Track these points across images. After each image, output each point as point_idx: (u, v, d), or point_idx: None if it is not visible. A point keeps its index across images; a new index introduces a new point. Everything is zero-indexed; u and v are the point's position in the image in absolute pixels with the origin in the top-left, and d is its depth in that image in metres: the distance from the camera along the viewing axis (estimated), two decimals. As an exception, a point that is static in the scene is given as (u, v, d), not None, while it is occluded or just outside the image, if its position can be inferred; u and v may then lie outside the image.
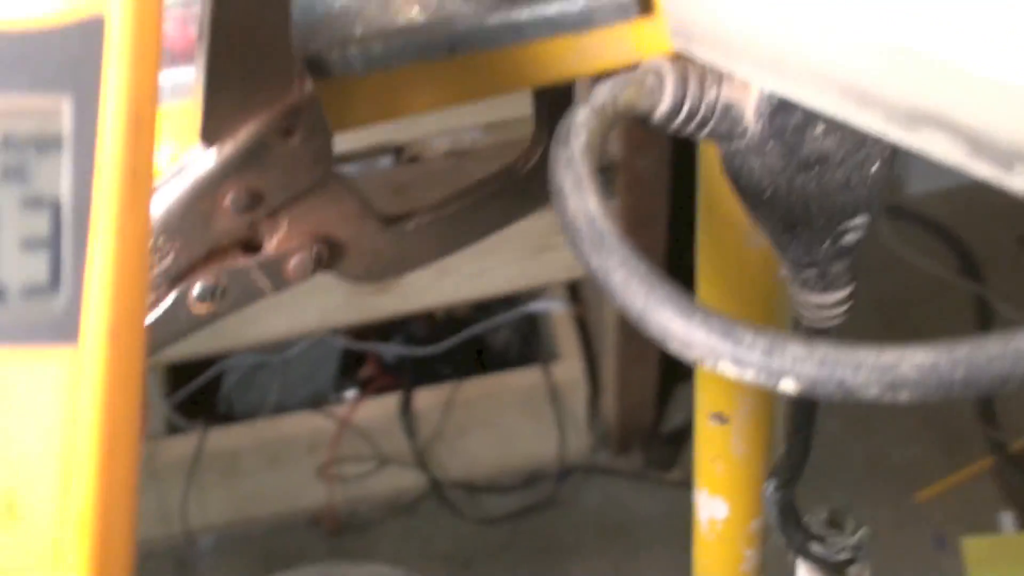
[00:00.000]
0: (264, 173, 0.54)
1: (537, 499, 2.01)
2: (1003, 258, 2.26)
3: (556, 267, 1.88)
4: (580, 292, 2.08)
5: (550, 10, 0.54)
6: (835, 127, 0.53)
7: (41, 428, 0.37)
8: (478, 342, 2.08)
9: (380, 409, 1.97)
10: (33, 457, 0.37)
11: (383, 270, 0.60)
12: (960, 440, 2.01)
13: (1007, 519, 1.88)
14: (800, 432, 0.68)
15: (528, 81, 0.55)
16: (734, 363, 0.43)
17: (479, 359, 2.07)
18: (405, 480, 2.01)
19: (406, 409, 1.95)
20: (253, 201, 0.55)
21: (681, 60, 0.54)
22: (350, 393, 2.01)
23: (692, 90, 0.54)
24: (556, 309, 2.04)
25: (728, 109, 0.54)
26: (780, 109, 0.53)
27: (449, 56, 0.54)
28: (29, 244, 0.38)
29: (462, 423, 1.99)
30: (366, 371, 2.09)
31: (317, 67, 0.54)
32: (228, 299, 0.57)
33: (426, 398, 1.96)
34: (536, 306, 2.06)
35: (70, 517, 0.36)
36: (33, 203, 0.38)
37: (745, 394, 0.73)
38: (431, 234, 0.60)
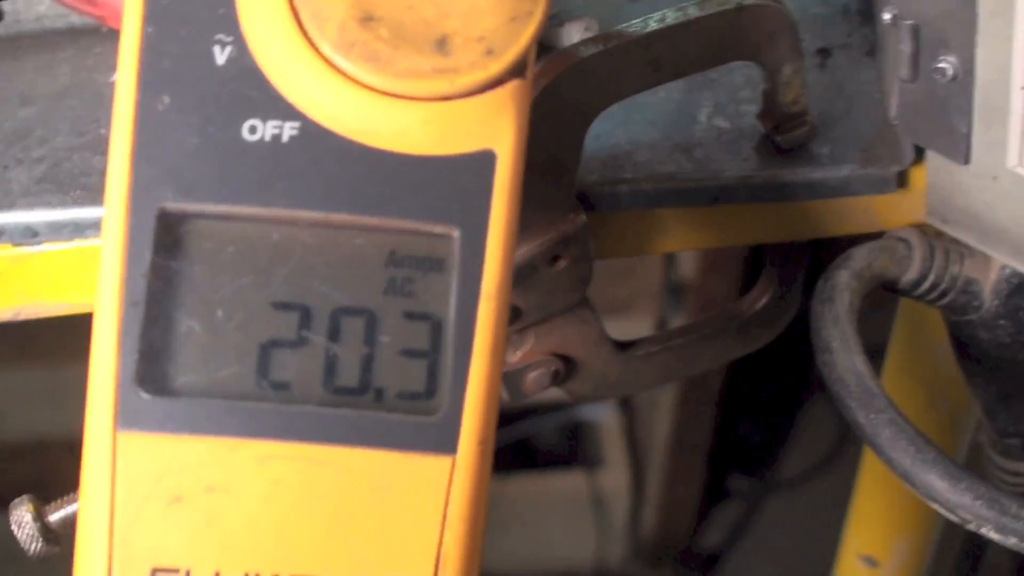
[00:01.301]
0: (527, 292, 0.58)
1: (571, 603, 2.02)
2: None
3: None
4: (631, 402, 2.10)
5: (814, 176, 0.58)
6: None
7: (417, 528, 0.40)
8: (522, 440, 2.10)
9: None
10: (408, 554, 0.40)
11: (608, 390, 0.64)
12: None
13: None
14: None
15: (779, 236, 0.59)
16: (997, 530, 0.47)
17: (522, 457, 2.09)
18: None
19: (451, 499, 1.96)
20: (512, 317, 0.58)
21: (928, 232, 0.58)
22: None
23: (938, 263, 0.58)
24: (605, 416, 2.07)
25: (968, 284, 0.58)
26: (1018, 289, 0.57)
27: (710, 204, 0.58)
28: (409, 353, 0.42)
29: (502, 519, 2.01)
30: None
31: (586, 201, 0.58)
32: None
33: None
34: (585, 411, 2.09)
35: (443, 609, 0.40)
36: (416, 317, 0.42)
37: (901, 540, 0.76)
38: (655, 363, 0.64)
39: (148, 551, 0.40)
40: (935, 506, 0.48)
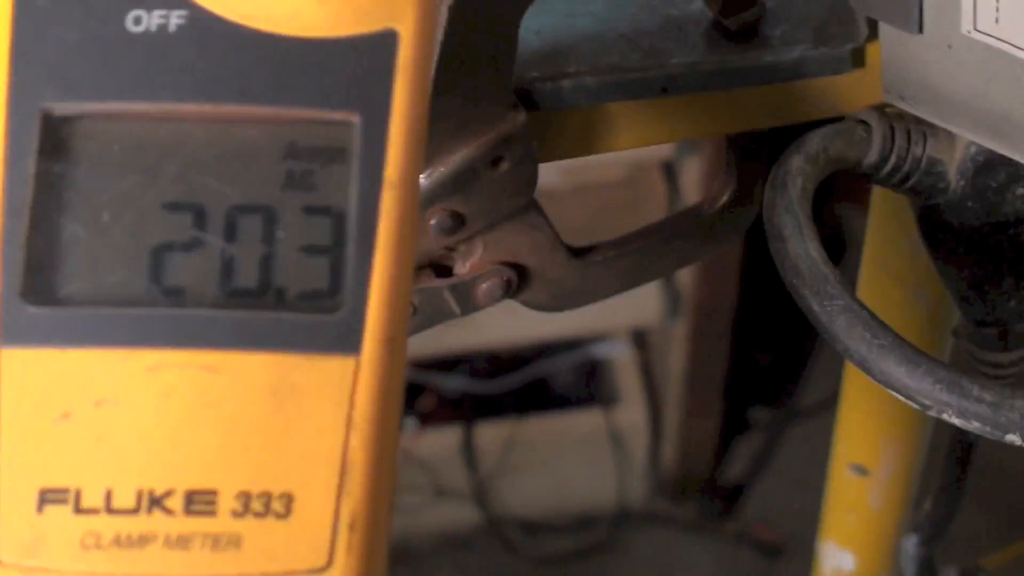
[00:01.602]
0: (469, 199, 0.55)
1: (592, 542, 2.01)
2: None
3: (624, 313, 1.88)
4: (646, 339, 2.08)
5: (764, 59, 0.55)
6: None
7: (321, 434, 0.38)
8: (539, 380, 2.09)
9: (440, 441, 1.97)
10: (311, 461, 0.38)
11: (565, 300, 0.61)
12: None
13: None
14: (952, 486, 0.69)
15: (733, 126, 0.57)
16: (959, 414, 0.44)
17: (539, 397, 2.07)
18: (461, 514, 2.01)
19: (467, 443, 1.95)
20: (455, 225, 0.56)
21: (888, 113, 0.55)
22: (408, 423, 2.02)
23: (899, 144, 0.55)
24: (620, 354, 2.05)
25: (932, 165, 0.55)
26: (984, 168, 0.54)
27: (659, 96, 0.55)
28: (309, 250, 0.39)
29: (521, 461, 1.99)
30: (425, 403, 2.09)
31: (528, 98, 0.55)
32: (419, 318, 0.58)
33: (487, 434, 1.96)
34: (600, 349, 2.07)
35: (344, 517, 0.37)
36: (316, 211, 0.39)
37: (890, 446, 0.74)
38: (615, 268, 0.61)
39: (36, 470, 0.37)
40: (894, 393, 0.45)
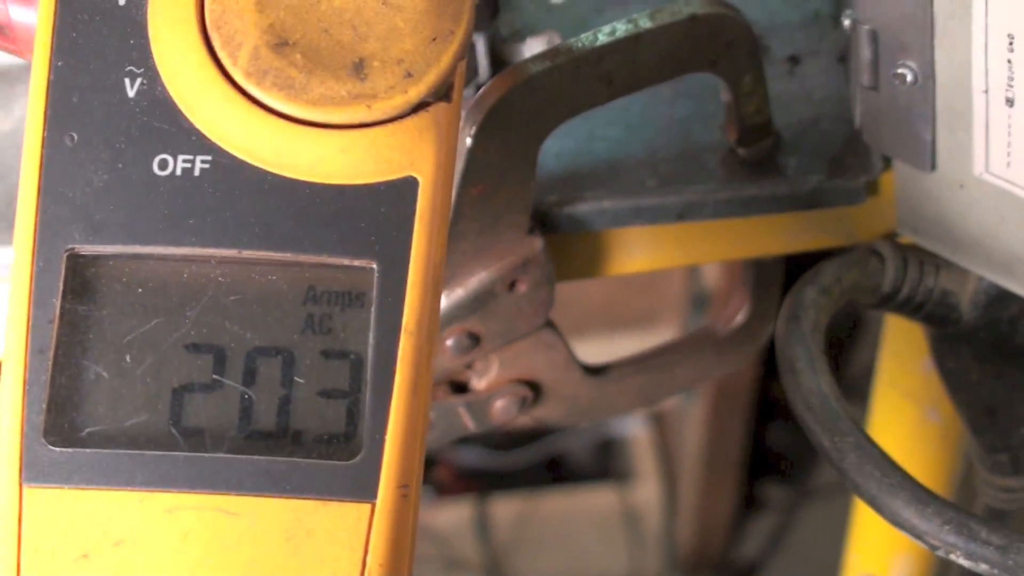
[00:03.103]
0: (486, 319, 0.56)
1: (606, 619, 2.00)
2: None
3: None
4: (662, 417, 2.08)
5: (781, 188, 0.55)
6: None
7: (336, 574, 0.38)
8: (554, 455, 2.08)
9: (454, 514, 1.97)
10: (326, 604, 0.38)
11: (579, 416, 0.62)
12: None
13: None
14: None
15: (748, 252, 0.57)
16: (967, 557, 0.45)
17: (554, 473, 2.07)
18: (472, 587, 2.01)
19: (481, 516, 1.95)
20: (472, 344, 0.56)
21: (901, 243, 0.56)
22: (423, 494, 2.02)
23: (911, 275, 0.55)
24: (636, 431, 2.05)
25: (945, 296, 0.55)
26: (996, 300, 0.55)
27: (676, 222, 0.56)
28: (327, 394, 0.40)
29: (535, 536, 1.99)
30: (440, 474, 2.09)
31: (546, 221, 0.56)
32: (434, 432, 0.59)
33: (501, 507, 1.96)
34: (616, 426, 2.07)
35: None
36: (334, 355, 0.40)
37: (903, 557, 0.74)
38: (629, 386, 0.61)
39: (55, 611, 0.38)
40: (904, 533, 0.46)
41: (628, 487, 1.98)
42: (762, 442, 2.00)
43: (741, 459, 1.92)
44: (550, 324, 0.58)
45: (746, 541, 2.08)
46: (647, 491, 1.99)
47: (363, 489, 0.39)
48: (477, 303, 0.55)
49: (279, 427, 0.39)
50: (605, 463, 2.08)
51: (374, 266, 0.40)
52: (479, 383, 0.59)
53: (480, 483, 2.02)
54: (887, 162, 0.54)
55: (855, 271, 0.54)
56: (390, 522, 0.39)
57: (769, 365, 1.77)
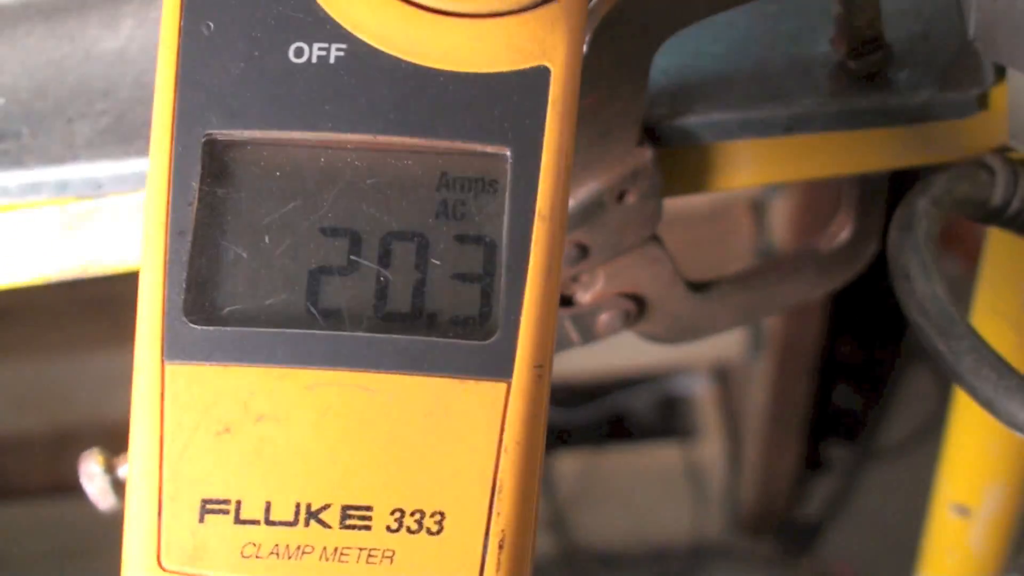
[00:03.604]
0: (594, 231, 0.56)
1: (669, 575, 2.01)
2: None
3: (706, 348, 1.89)
4: (726, 374, 2.08)
5: (891, 102, 0.55)
6: None
7: (472, 455, 0.39)
8: (618, 412, 2.09)
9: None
10: (463, 481, 0.39)
11: (681, 332, 0.62)
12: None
13: None
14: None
15: (856, 166, 0.57)
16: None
17: (618, 429, 2.08)
18: (537, 544, 2.01)
19: (546, 471, 1.96)
20: (580, 255, 0.57)
21: (1011, 156, 0.56)
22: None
23: (1021, 188, 0.55)
24: (700, 388, 2.05)
25: (1055, 210, 0.55)
26: (1106, 215, 0.55)
27: (783, 135, 0.56)
28: (462, 277, 0.40)
29: (598, 492, 2.00)
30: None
31: (654, 135, 0.56)
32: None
33: (565, 464, 1.97)
34: (681, 383, 2.07)
35: (494, 536, 0.39)
36: (468, 240, 0.41)
37: (994, 487, 0.74)
38: (732, 303, 0.62)
39: (198, 482, 0.39)
40: (1018, 433, 0.46)
41: (691, 445, 1.98)
42: (827, 402, 2.00)
43: (805, 418, 1.92)
44: (656, 238, 0.58)
45: (811, 500, 2.08)
46: (711, 449, 1.99)
47: (499, 368, 0.39)
48: (586, 214, 0.55)
49: (415, 308, 0.40)
50: (669, 420, 2.09)
51: (508, 152, 0.41)
52: (584, 296, 0.59)
53: (545, 439, 2.02)
54: (999, 75, 0.54)
55: (965, 183, 0.54)
56: (525, 400, 0.39)
57: (836, 323, 1.77)
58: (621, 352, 1.87)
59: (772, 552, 2.05)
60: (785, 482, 2.02)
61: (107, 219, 0.59)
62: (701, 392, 2.05)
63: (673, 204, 0.57)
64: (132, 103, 0.60)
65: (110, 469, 0.57)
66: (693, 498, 2.00)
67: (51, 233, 0.59)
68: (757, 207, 1.70)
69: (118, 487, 0.57)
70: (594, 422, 2.05)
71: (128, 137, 0.59)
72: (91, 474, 0.57)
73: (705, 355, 1.93)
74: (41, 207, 0.58)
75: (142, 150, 0.58)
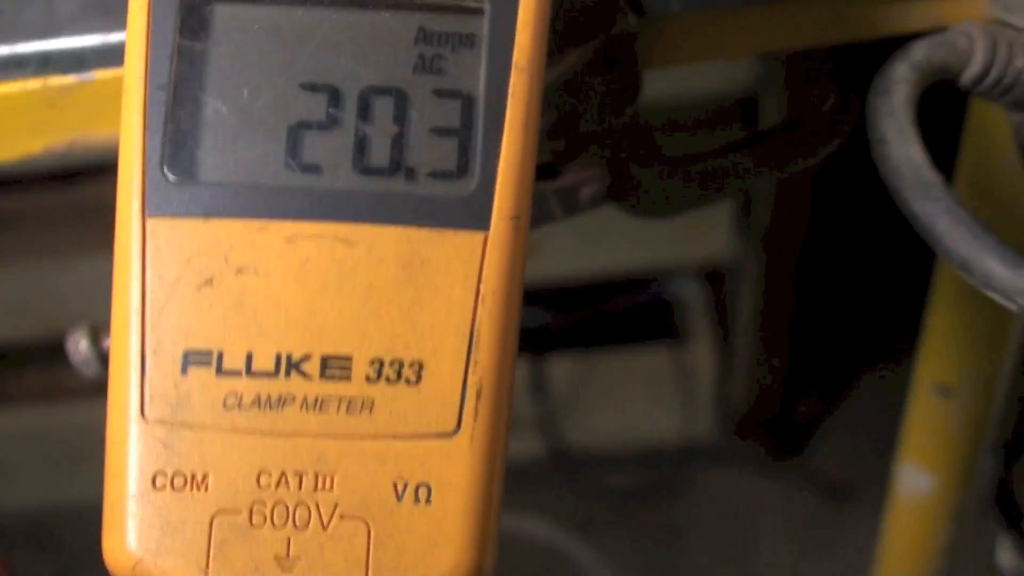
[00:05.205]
0: (577, 101, 0.56)
1: (658, 478, 2.03)
2: None
3: (694, 249, 1.89)
4: (716, 276, 2.09)
5: (872, -32, 0.55)
6: None
7: (450, 305, 0.39)
8: (609, 315, 2.09)
9: (509, 373, 1.98)
10: (441, 331, 0.39)
11: (664, 207, 0.62)
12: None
13: None
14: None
15: (840, 36, 0.57)
16: (1058, 314, 0.45)
17: (609, 332, 2.08)
18: (526, 446, 2.03)
19: (537, 375, 1.97)
20: (561, 127, 0.57)
21: (991, 25, 0.56)
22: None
23: (1000, 57, 0.55)
24: (691, 290, 2.05)
25: (1033, 78, 0.55)
26: (1086, 82, 0.55)
27: (766, 4, 0.56)
28: (440, 131, 0.41)
29: (589, 395, 2.01)
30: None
31: (636, 4, 0.56)
32: (523, 221, 0.59)
33: (555, 367, 1.97)
34: (671, 285, 2.07)
35: (472, 385, 0.39)
36: (446, 94, 0.41)
37: (974, 365, 0.74)
38: (715, 177, 0.62)
39: (180, 333, 0.39)
40: (992, 294, 0.46)
41: (682, 347, 1.99)
42: (818, 304, 2.01)
43: (795, 322, 1.93)
44: (637, 113, 0.58)
45: (802, 402, 2.09)
46: (701, 351, 2.00)
47: (477, 219, 0.40)
48: (569, 83, 0.55)
49: (394, 161, 0.40)
50: (659, 322, 2.09)
51: (485, 6, 0.41)
52: (568, 170, 0.59)
53: (535, 342, 2.03)
54: (981, -60, 0.54)
55: (944, 50, 0.54)
56: (503, 251, 0.40)
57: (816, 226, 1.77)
58: (611, 255, 1.87)
59: (763, 454, 2.07)
60: (776, 385, 2.03)
61: (91, 96, 0.59)
62: (691, 294, 2.06)
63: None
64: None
65: (96, 342, 0.58)
66: (683, 400, 2.01)
67: (35, 109, 0.59)
68: (747, 109, 1.69)
69: (103, 359, 0.58)
70: (585, 325, 2.05)
71: (113, 10, 0.59)
72: (77, 346, 0.58)
73: (695, 257, 1.93)
74: (24, 82, 0.58)
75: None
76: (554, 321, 2.03)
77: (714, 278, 2.10)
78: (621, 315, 2.09)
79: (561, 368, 2.00)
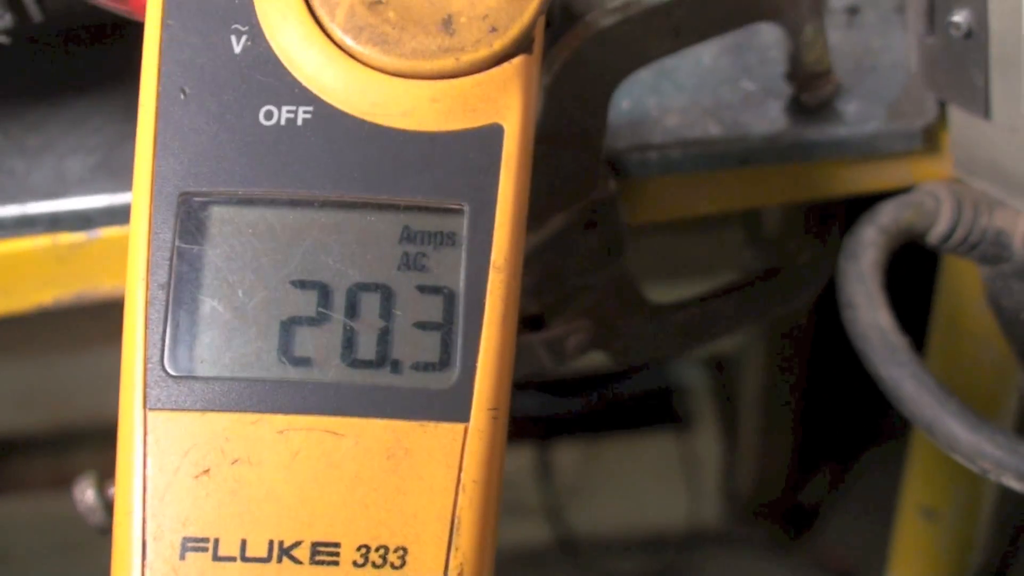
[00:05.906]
0: (563, 260, 0.59)
1: (664, 563, 2.03)
2: None
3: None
4: (722, 362, 2.10)
5: (840, 133, 0.58)
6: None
7: (432, 493, 0.42)
8: (614, 401, 2.10)
9: (515, 460, 2.00)
10: (424, 518, 0.42)
11: (643, 353, 0.65)
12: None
13: None
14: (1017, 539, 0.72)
15: (808, 195, 0.60)
16: (1017, 478, 0.48)
17: (614, 418, 2.09)
18: (533, 532, 2.03)
19: (542, 462, 1.98)
20: (546, 284, 0.60)
21: (956, 184, 0.58)
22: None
23: (966, 216, 0.58)
24: (696, 376, 2.07)
25: (998, 235, 0.58)
26: (1048, 239, 0.57)
27: (739, 167, 0.59)
28: (423, 326, 0.43)
29: (595, 481, 2.02)
30: (502, 421, 2.11)
31: (617, 167, 0.59)
32: (515, 373, 0.62)
33: (561, 453, 1.99)
34: (675, 371, 2.09)
35: (453, 570, 0.41)
36: (429, 290, 0.43)
37: (959, 488, 0.76)
38: (693, 326, 0.65)
39: (179, 522, 0.41)
40: (956, 457, 0.49)
41: (688, 433, 2.00)
42: (824, 388, 2.01)
43: (800, 405, 1.94)
44: (622, 267, 0.61)
45: (808, 487, 2.09)
46: (707, 437, 2.01)
47: (457, 411, 0.42)
48: (554, 244, 0.58)
49: (380, 356, 0.43)
50: (665, 409, 2.10)
51: (465, 207, 0.43)
52: (555, 322, 0.62)
53: (540, 429, 2.04)
54: (943, 108, 0.57)
55: (911, 211, 0.57)
56: (482, 441, 0.42)
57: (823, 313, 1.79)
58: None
59: (769, 538, 2.07)
60: (782, 468, 2.04)
61: (98, 252, 0.62)
62: (695, 380, 2.07)
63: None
64: (121, 138, 0.63)
65: (101, 492, 0.61)
66: (689, 486, 2.01)
67: (46, 264, 0.62)
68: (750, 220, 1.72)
69: (108, 507, 0.61)
70: (590, 412, 2.06)
71: (118, 173, 0.62)
72: (84, 495, 0.61)
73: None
74: (35, 239, 0.61)
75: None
76: (559, 408, 2.05)
77: (718, 364, 2.11)
78: (626, 402, 2.10)
79: (567, 455, 2.01)
